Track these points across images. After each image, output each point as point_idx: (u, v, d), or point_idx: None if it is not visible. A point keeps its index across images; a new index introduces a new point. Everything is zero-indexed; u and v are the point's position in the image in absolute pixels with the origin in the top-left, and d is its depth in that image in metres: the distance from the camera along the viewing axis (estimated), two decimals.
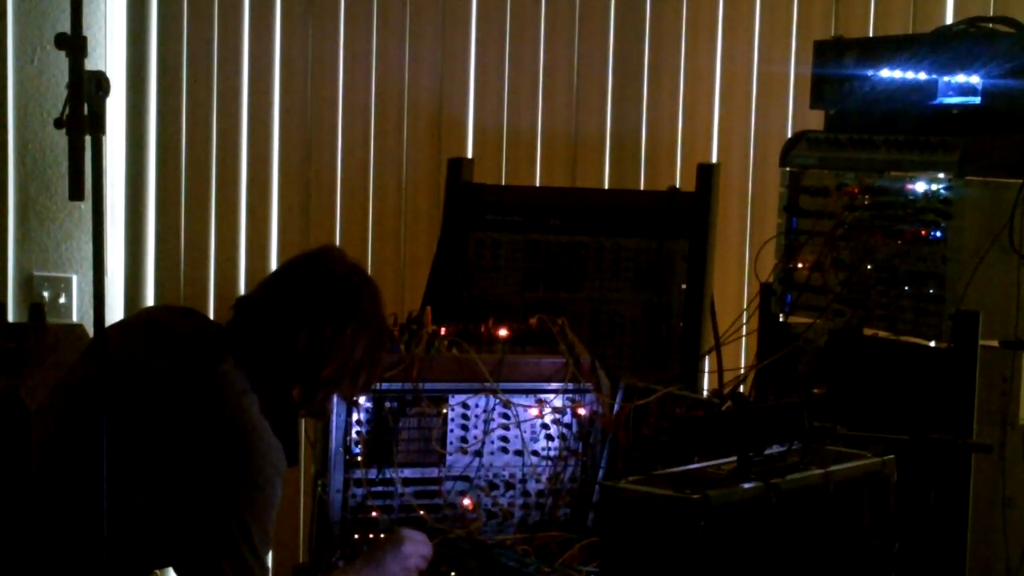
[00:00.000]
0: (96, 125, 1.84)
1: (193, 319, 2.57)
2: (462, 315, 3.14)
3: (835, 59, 2.94)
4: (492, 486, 2.77)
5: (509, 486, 2.78)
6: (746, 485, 2.06)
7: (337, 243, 4.07)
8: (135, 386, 2.31)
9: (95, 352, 1.96)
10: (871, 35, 3.76)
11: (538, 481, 2.78)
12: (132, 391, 2.29)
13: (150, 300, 4.13)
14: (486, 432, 2.75)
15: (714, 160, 3.92)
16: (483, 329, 2.84)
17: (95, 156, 1.85)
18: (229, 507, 2.28)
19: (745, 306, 3.32)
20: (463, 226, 3.38)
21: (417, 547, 2.53)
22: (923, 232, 2.63)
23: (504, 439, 2.76)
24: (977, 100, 2.67)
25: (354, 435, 2.67)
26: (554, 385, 2.77)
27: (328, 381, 2.46)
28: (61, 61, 1.85)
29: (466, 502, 2.75)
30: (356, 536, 2.69)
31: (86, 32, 2.08)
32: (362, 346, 2.45)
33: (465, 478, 2.75)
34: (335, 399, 2.61)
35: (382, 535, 2.65)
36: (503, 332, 2.83)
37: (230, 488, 2.28)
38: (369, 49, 4.03)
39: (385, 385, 2.66)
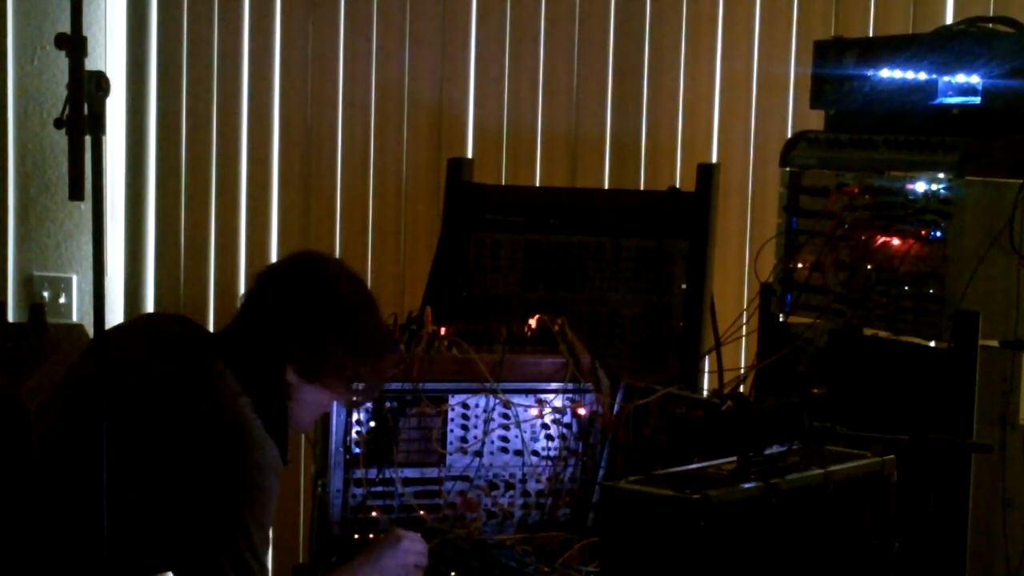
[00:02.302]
0: (96, 125, 1.84)
1: (188, 325, 2.60)
2: (462, 315, 3.14)
3: (835, 59, 2.94)
4: (492, 486, 2.77)
5: (509, 486, 2.78)
6: (746, 485, 2.05)
7: (337, 243, 4.07)
8: (133, 387, 2.31)
9: (95, 352, 1.96)
10: (871, 35, 3.76)
11: (538, 481, 2.78)
12: (130, 392, 2.29)
13: (150, 300, 4.13)
14: (486, 432, 2.75)
15: (714, 160, 3.92)
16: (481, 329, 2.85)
17: (95, 156, 1.85)
18: (227, 507, 2.28)
19: (745, 306, 3.32)
20: (463, 226, 3.38)
21: (414, 544, 2.53)
22: (923, 232, 2.63)
23: (504, 439, 2.76)
24: (977, 100, 2.67)
25: (354, 435, 2.67)
26: (554, 385, 2.77)
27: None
28: (61, 61, 1.85)
29: (466, 504, 2.75)
30: (356, 536, 2.68)
31: (86, 32, 2.08)
32: (354, 357, 2.46)
33: (465, 478, 2.75)
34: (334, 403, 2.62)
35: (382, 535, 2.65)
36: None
37: (228, 488, 2.28)
38: (369, 49, 4.03)
39: (385, 385, 2.66)
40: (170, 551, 2.31)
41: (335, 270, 2.55)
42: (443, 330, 2.79)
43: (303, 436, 2.83)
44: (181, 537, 2.28)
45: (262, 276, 2.57)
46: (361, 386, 2.52)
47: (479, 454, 2.75)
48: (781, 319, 2.99)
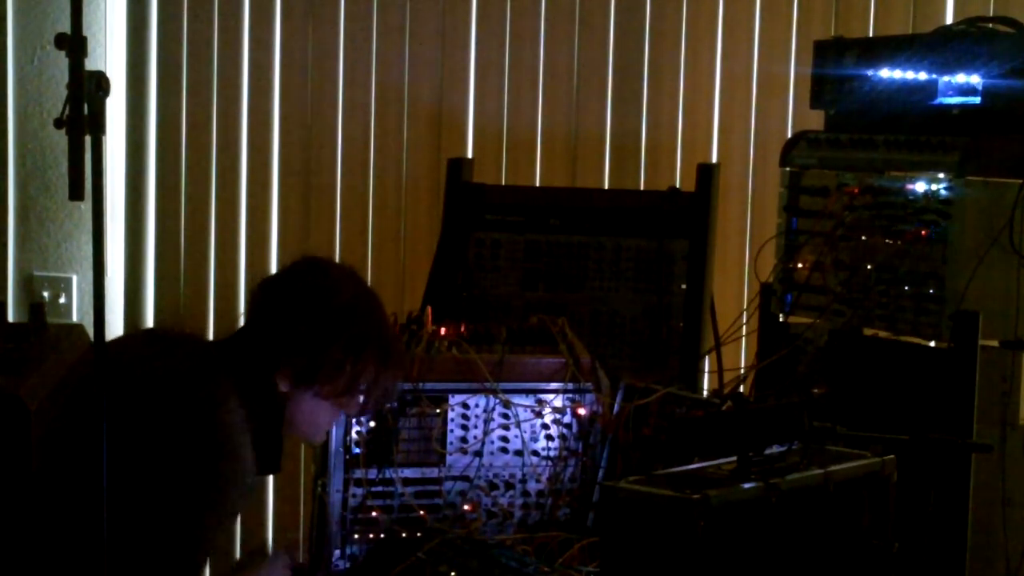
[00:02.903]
0: (96, 125, 1.84)
1: (190, 334, 2.64)
2: (462, 315, 3.14)
3: (835, 59, 2.94)
4: (492, 486, 2.77)
5: (509, 486, 2.78)
6: (746, 485, 2.05)
7: (337, 243, 4.07)
8: (129, 388, 2.31)
9: (95, 352, 1.96)
10: (871, 35, 3.76)
11: (538, 481, 2.78)
12: (126, 393, 2.29)
13: (150, 300, 4.13)
14: (486, 432, 2.75)
15: (714, 160, 3.92)
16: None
17: (95, 156, 1.85)
18: (181, 510, 2.27)
19: (745, 306, 3.32)
20: (463, 226, 3.38)
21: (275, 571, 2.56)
22: (923, 232, 2.63)
23: (504, 439, 2.76)
24: (977, 100, 2.67)
25: (354, 435, 2.67)
26: (554, 385, 2.77)
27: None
28: (61, 61, 1.84)
29: (466, 506, 2.75)
30: (356, 536, 2.69)
31: (86, 32, 2.08)
32: (352, 363, 2.45)
33: (465, 478, 2.75)
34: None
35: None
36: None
37: (186, 492, 2.27)
38: (369, 49, 4.03)
39: (394, 396, 2.65)
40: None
41: (337, 274, 2.54)
42: (443, 330, 2.79)
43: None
44: (139, 534, 2.27)
45: (264, 282, 2.57)
46: (363, 395, 2.51)
47: (479, 454, 2.75)
48: (781, 319, 2.99)
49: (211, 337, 4.10)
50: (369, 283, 3.95)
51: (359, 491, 2.69)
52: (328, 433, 2.63)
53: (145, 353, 2.44)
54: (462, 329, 2.80)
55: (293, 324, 2.43)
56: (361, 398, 2.51)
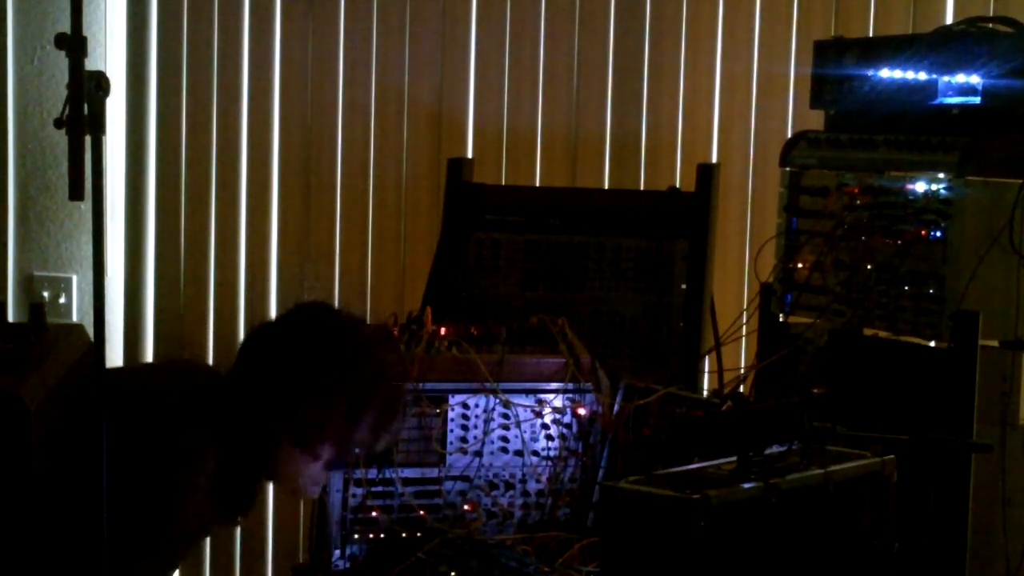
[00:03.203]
0: (96, 125, 1.84)
1: (203, 367, 2.65)
2: (462, 315, 3.14)
3: (835, 59, 2.94)
4: (492, 486, 2.77)
5: (509, 486, 2.78)
6: (746, 485, 2.05)
7: (337, 243, 4.07)
8: (119, 399, 2.32)
9: (95, 352, 1.96)
10: (871, 35, 3.76)
11: (538, 481, 2.78)
12: (116, 402, 2.30)
13: (150, 300, 4.13)
14: (486, 432, 2.75)
15: (714, 160, 3.92)
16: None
17: (95, 156, 1.85)
18: (129, 514, 2.28)
19: (745, 306, 3.32)
20: (463, 226, 3.38)
21: None
22: (923, 232, 2.63)
23: (504, 439, 2.76)
24: (977, 100, 2.67)
25: None
26: (554, 385, 2.77)
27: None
28: (61, 61, 1.85)
29: (466, 506, 2.75)
30: (356, 536, 2.69)
31: (86, 32, 2.08)
32: (320, 409, 2.46)
33: (465, 478, 2.75)
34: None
35: None
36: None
37: (135, 497, 2.29)
38: (369, 49, 4.03)
39: (377, 449, 2.64)
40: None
41: (330, 323, 2.54)
42: (443, 330, 2.79)
43: None
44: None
45: (259, 326, 2.59)
46: (337, 448, 2.51)
47: (479, 454, 2.75)
48: (781, 319, 2.99)
49: (210, 340, 4.11)
50: (369, 283, 3.98)
51: (359, 491, 2.68)
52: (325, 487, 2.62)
53: (144, 379, 2.47)
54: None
55: (270, 371, 2.45)
56: (335, 450, 2.51)
